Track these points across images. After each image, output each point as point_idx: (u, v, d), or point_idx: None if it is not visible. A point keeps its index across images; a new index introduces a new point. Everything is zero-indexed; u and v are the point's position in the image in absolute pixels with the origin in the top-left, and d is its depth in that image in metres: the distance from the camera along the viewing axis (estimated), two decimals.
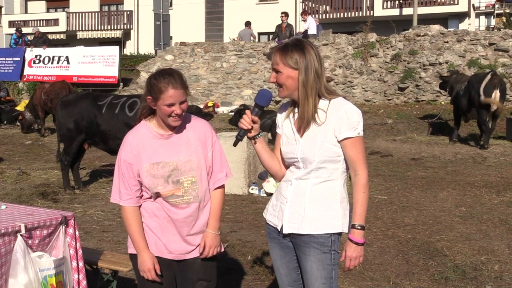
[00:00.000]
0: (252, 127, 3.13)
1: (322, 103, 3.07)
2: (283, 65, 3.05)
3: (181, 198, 3.23)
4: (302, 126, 3.09)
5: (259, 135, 3.20)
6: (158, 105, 3.13)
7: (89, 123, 9.18)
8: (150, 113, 3.28)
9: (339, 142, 3.04)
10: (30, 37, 25.78)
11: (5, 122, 18.96)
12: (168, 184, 3.20)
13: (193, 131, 3.31)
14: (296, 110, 3.18)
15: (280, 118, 3.27)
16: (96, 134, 9.25)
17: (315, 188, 3.09)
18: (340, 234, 3.13)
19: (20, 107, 20.27)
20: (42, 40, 23.95)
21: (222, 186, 3.41)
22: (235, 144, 3.23)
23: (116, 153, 10.21)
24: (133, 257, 3.35)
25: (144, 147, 3.22)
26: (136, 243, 3.25)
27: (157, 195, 3.23)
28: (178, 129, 3.27)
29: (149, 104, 3.19)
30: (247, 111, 3.15)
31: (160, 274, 3.26)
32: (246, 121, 3.12)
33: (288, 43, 3.10)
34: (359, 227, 3.04)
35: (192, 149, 3.27)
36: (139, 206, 3.29)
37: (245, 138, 3.20)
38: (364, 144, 3.10)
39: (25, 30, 30.83)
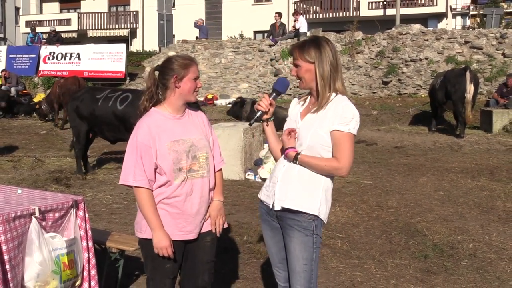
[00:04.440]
0: (268, 109, 3.17)
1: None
2: (301, 60, 3.07)
3: (196, 173, 3.22)
4: (310, 111, 3.09)
5: (271, 119, 3.24)
6: (184, 81, 3.19)
7: (89, 114, 9.18)
8: (154, 103, 3.28)
9: (330, 132, 3.01)
10: (45, 36, 25.65)
11: (22, 114, 18.90)
12: (188, 158, 3.19)
13: (196, 116, 3.39)
14: (307, 99, 3.21)
15: (292, 105, 3.31)
16: (95, 124, 9.26)
17: (302, 171, 3.07)
18: (322, 220, 3.10)
19: (36, 100, 20.23)
20: (56, 38, 23.85)
21: (220, 169, 3.46)
22: (250, 124, 3.32)
23: (113, 142, 10.28)
24: (144, 242, 3.24)
25: (161, 128, 3.18)
26: (152, 222, 3.13)
27: (180, 171, 3.16)
28: (185, 114, 3.32)
29: (173, 84, 3.19)
30: (266, 95, 3.20)
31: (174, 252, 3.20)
32: (264, 104, 3.17)
33: (306, 40, 3.13)
34: (297, 156, 3.04)
35: (200, 130, 3.33)
36: (153, 190, 3.20)
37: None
38: (353, 143, 3.03)
39: (40, 29, 30.72)
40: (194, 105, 3.47)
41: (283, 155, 3.13)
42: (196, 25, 23.54)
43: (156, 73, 3.30)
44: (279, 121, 3.36)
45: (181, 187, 3.18)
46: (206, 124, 3.41)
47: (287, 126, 3.22)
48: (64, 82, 16.47)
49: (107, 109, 8.97)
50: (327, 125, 3.01)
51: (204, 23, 23.49)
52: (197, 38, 22.94)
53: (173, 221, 3.20)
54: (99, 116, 9.08)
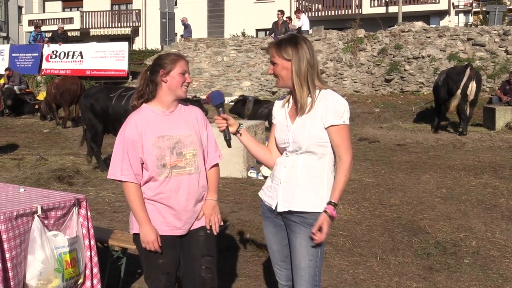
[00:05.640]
0: (227, 124, 3.20)
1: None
2: (278, 57, 3.07)
3: (183, 169, 3.22)
4: (298, 112, 3.09)
5: (240, 127, 3.27)
6: (171, 75, 3.22)
7: (103, 113, 9.30)
8: (147, 99, 3.30)
9: (326, 129, 3.03)
10: (48, 34, 25.65)
11: (27, 113, 18.86)
12: (173, 155, 3.19)
13: (189, 112, 3.37)
14: (291, 100, 3.18)
15: (276, 109, 3.29)
16: (108, 123, 9.36)
17: (305, 170, 3.08)
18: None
19: (39, 98, 20.24)
20: (63, 36, 23.87)
21: (217, 165, 3.45)
22: (229, 146, 3.26)
23: None
24: (136, 238, 3.27)
25: (148, 124, 3.20)
26: (139, 217, 3.17)
27: (164, 167, 3.16)
28: (176, 109, 3.32)
29: (160, 78, 3.22)
30: (216, 117, 3.24)
31: (161, 245, 3.20)
32: (220, 123, 3.20)
33: (284, 38, 3.14)
34: (334, 205, 3.03)
35: (191, 127, 3.31)
36: (141, 185, 3.23)
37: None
38: (349, 132, 3.08)
39: (43, 28, 30.72)
40: (198, 104, 3.48)
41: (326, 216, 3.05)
42: (183, 23, 23.72)
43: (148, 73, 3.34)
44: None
45: (165, 184, 3.19)
46: (200, 119, 3.39)
47: (277, 130, 3.22)
48: (61, 82, 16.40)
49: (120, 108, 9.06)
50: (320, 121, 3.02)
51: (188, 22, 23.85)
52: (181, 36, 23.13)
53: (161, 216, 3.22)
54: (113, 114, 9.19)
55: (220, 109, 3.24)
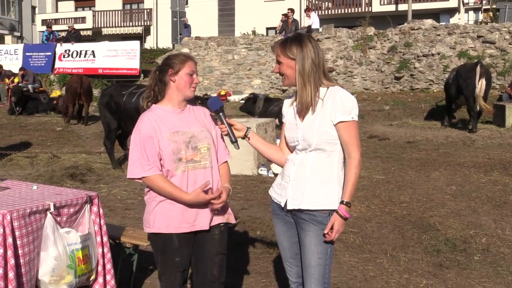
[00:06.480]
0: (230, 129, 3.20)
1: (320, 91, 3.06)
2: (283, 56, 3.07)
3: (199, 163, 3.23)
4: (302, 111, 3.08)
5: (248, 132, 3.27)
6: (180, 75, 3.25)
7: (116, 110, 9.39)
8: (156, 100, 3.33)
9: (334, 125, 3.01)
10: (62, 34, 25.78)
11: (43, 112, 18.94)
12: (188, 149, 3.20)
13: (198, 111, 3.41)
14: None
15: (285, 107, 3.28)
16: (121, 120, 9.42)
17: (314, 167, 3.06)
18: None
19: (53, 96, 20.33)
20: (75, 36, 23.98)
21: (226, 161, 3.45)
22: (237, 148, 3.25)
23: None
24: (153, 236, 3.26)
25: (162, 120, 3.22)
26: (179, 196, 3.14)
27: (180, 161, 3.16)
28: (186, 108, 3.36)
29: (169, 77, 3.26)
30: (219, 123, 3.25)
31: (179, 245, 3.20)
32: (223, 130, 3.22)
33: (289, 37, 3.13)
34: (347, 204, 3.03)
35: (201, 123, 3.35)
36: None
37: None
38: (358, 129, 3.07)
39: (56, 27, 30.90)
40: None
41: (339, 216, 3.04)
42: (184, 22, 23.88)
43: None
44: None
45: (182, 178, 3.19)
46: (208, 118, 3.42)
47: (287, 129, 3.20)
48: (68, 80, 16.97)
49: (131, 105, 9.13)
50: (328, 118, 3.01)
51: (188, 22, 24.23)
52: (180, 34, 23.25)
53: (180, 213, 3.20)
54: (124, 111, 9.27)
55: (221, 114, 3.23)
